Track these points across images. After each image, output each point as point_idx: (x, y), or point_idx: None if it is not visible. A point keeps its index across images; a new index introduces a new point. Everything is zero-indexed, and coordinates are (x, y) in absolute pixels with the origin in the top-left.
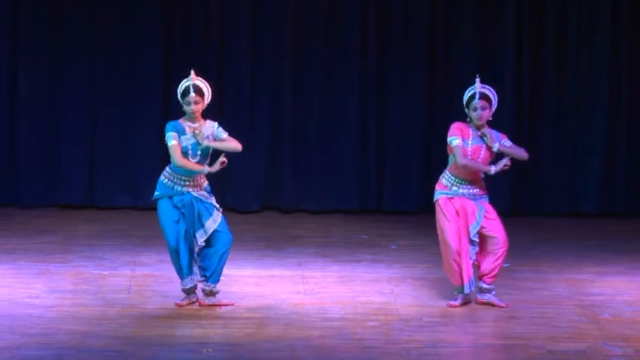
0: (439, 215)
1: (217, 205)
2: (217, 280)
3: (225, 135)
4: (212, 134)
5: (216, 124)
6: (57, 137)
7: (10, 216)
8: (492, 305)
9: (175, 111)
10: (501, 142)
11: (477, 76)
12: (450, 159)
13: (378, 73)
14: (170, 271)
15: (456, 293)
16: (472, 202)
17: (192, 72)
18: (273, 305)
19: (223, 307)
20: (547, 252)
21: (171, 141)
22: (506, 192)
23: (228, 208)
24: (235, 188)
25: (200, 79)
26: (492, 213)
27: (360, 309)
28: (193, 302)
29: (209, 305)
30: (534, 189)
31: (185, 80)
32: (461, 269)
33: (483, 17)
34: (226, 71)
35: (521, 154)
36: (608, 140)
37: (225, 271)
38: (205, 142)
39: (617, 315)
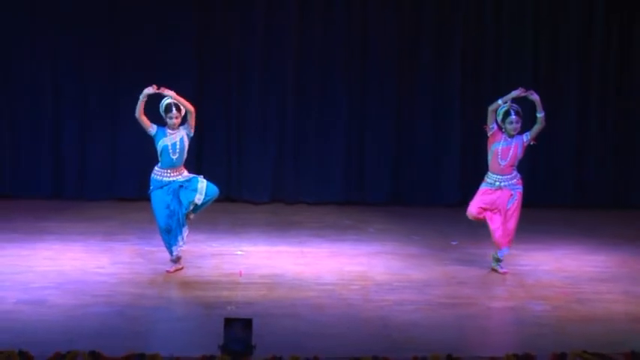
0: (478, 192)
1: (197, 175)
2: (197, 212)
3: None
4: (186, 134)
5: (182, 127)
6: (115, 147)
7: (80, 207)
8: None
9: (206, 114)
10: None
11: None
12: (489, 158)
13: (359, 103)
14: (201, 248)
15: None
16: (510, 190)
17: (173, 92)
18: (280, 274)
19: (243, 275)
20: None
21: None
22: (457, 186)
23: (244, 200)
24: (250, 185)
25: (178, 99)
26: (516, 202)
27: (346, 276)
28: (180, 269)
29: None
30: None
31: (166, 98)
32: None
33: (437, 49)
34: (244, 95)
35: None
36: (547, 140)
37: (244, 247)
38: (167, 92)
39: (539, 280)
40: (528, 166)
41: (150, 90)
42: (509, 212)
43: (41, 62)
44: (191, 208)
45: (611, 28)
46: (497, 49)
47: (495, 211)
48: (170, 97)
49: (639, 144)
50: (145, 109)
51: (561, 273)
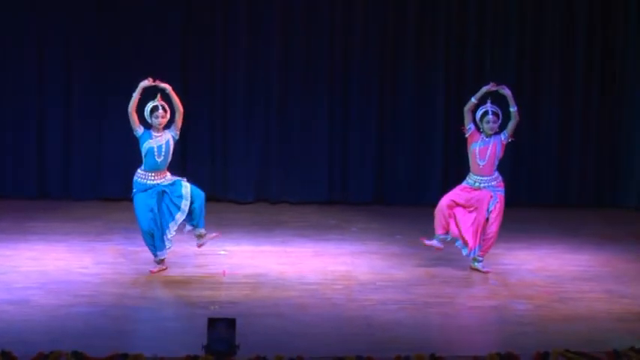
0: (457, 187)
1: (180, 179)
2: (203, 224)
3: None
4: (172, 136)
5: (168, 130)
6: (100, 147)
7: (65, 207)
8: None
9: (190, 114)
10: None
11: (488, 99)
12: (469, 159)
13: (342, 104)
14: (185, 248)
15: (435, 235)
16: (491, 192)
17: (159, 95)
18: (264, 273)
19: (227, 275)
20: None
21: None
22: (439, 186)
23: (229, 200)
24: (235, 185)
25: (162, 101)
26: (498, 205)
27: (329, 276)
28: (163, 269)
29: (201, 245)
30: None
31: (152, 101)
32: (447, 224)
33: (419, 51)
34: (228, 96)
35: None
36: (530, 140)
37: (227, 247)
38: (163, 85)
39: (522, 279)
40: (511, 165)
41: (146, 83)
42: (493, 216)
43: (26, 61)
44: (188, 227)
45: (594, 28)
46: (480, 50)
47: (471, 209)
48: (166, 89)
49: (621, 144)
50: (137, 110)
51: (544, 272)
